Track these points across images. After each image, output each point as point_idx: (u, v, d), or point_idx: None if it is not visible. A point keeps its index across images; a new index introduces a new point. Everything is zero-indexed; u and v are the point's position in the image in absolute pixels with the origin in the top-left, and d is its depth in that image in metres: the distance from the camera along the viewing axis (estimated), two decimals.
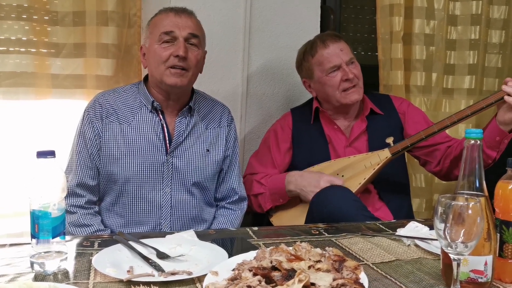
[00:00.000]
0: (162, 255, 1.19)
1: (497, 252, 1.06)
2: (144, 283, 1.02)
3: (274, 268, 0.99)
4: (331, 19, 2.49)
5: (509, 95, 1.66)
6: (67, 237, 1.31)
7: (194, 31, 1.69)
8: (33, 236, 1.11)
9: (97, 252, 1.18)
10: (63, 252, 1.12)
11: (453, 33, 2.54)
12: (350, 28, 2.78)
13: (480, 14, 2.50)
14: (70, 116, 1.97)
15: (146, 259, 1.16)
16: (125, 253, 1.19)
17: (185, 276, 1.05)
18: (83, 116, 1.71)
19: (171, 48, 1.65)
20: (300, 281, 0.91)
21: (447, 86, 2.56)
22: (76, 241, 1.32)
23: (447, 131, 1.91)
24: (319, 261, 1.04)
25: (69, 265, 1.14)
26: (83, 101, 1.99)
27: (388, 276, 1.11)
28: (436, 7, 2.46)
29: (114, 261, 1.13)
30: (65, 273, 1.10)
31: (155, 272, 1.09)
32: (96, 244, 1.29)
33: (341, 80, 1.92)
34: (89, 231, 1.64)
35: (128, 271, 1.08)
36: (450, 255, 0.96)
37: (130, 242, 1.24)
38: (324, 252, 1.09)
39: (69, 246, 1.24)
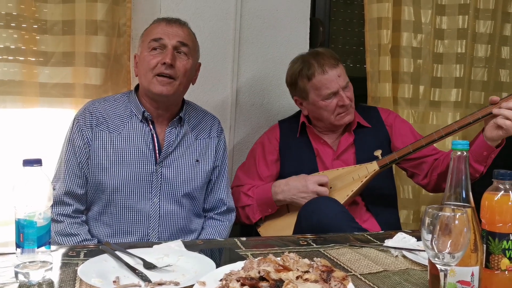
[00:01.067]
0: (149, 265, 1.18)
1: (484, 263, 1.06)
2: None
3: (262, 279, 0.99)
4: (320, 31, 2.51)
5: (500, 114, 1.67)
6: (53, 247, 1.29)
7: (183, 39, 1.69)
8: (18, 245, 1.09)
9: (83, 262, 1.16)
10: (48, 262, 1.11)
11: (440, 47, 2.58)
12: (339, 40, 2.81)
13: (467, 29, 2.54)
14: (57, 125, 1.96)
15: (132, 269, 1.14)
16: (111, 263, 1.18)
17: (172, 287, 1.04)
18: (73, 123, 1.70)
19: (160, 55, 1.65)
20: None
21: (434, 98, 2.59)
22: (62, 251, 1.30)
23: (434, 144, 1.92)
24: (307, 272, 1.04)
25: (54, 275, 1.12)
26: (71, 110, 1.98)
27: (376, 287, 1.11)
28: (424, 21, 2.50)
29: (100, 271, 1.12)
30: (50, 284, 1.08)
31: (142, 283, 1.07)
32: (82, 254, 1.27)
33: (336, 105, 1.92)
34: (76, 241, 1.62)
35: (114, 282, 1.07)
36: (437, 266, 0.97)
37: (117, 252, 1.22)
38: (312, 262, 1.09)
39: (55, 256, 1.22)
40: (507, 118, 1.63)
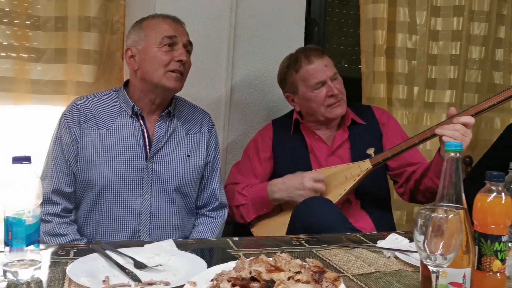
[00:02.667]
0: (139, 265, 1.16)
1: (476, 265, 1.06)
2: None
3: (253, 279, 0.98)
4: (316, 31, 2.51)
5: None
6: (42, 246, 1.28)
7: (189, 39, 1.74)
8: (6, 243, 1.08)
9: (72, 261, 1.15)
10: (37, 261, 1.10)
11: (435, 48, 2.58)
12: (334, 41, 2.81)
13: (461, 30, 2.55)
14: (49, 122, 1.94)
15: (122, 268, 1.13)
16: (101, 263, 1.17)
17: (162, 287, 1.03)
18: (60, 121, 1.69)
19: (172, 52, 1.67)
20: None
21: (428, 100, 2.60)
22: (51, 249, 1.29)
23: (427, 148, 1.92)
24: (298, 272, 1.03)
25: (43, 274, 1.11)
26: (63, 107, 1.95)
27: None
28: (418, 22, 2.50)
29: (89, 270, 1.11)
30: (39, 283, 1.07)
31: (132, 282, 1.06)
32: (71, 253, 1.26)
33: (326, 95, 1.93)
34: (65, 241, 1.60)
35: (104, 281, 1.06)
36: (429, 267, 0.96)
37: (107, 251, 1.21)
38: (304, 263, 1.08)
39: (44, 254, 1.20)
40: (451, 137, 1.63)
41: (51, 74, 1.97)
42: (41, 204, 1.12)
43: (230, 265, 1.09)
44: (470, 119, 1.65)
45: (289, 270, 1.03)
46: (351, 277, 1.18)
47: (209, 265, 1.15)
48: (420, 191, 1.90)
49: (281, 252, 1.13)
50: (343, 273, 1.20)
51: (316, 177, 1.83)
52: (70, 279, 1.06)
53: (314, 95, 1.94)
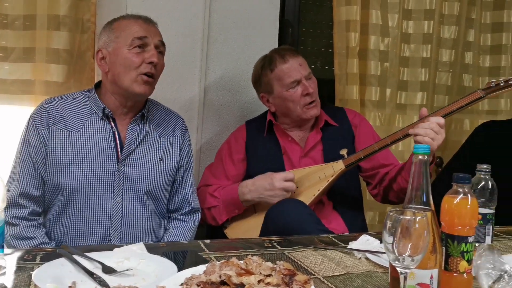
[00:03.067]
0: (108, 270, 1.14)
1: (443, 265, 1.08)
2: None
3: (223, 283, 0.97)
4: (290, 33, 2.52)
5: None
6: (7, 250, 1.25)
7: (162, 39, 1.70)
8: None
9: (38, 267, 1.12)
10: (2, 267, 1.07)
11: (406, 51, 2.62)
12: (308, 42, 2.82)
13: (432, 33, 2.59)
14: (16, 123, 1.90)
15: (90, 273, 1.11)
16: (68, 268, 1.14)
17: None
18: (28, 122, 1.65)
19: (143, 54, 1.63)
20: None
21: (400, 101, 2.64)
22: (17, 254, 1.25)
23: (399, 149, 1.95)
24: (269, 275, 1.03)
25: (8, 281, 1.07)
26: (31, 107, 1.92)
27: None
28: (391, 25, 2.54)
29: (56, 276, 1.08)
30: None
31: None
32: (38, 258, 1.23)
33: (301, 94, 1.94)
34: (32, 244, 1.57)
35: (70, 287, 1.03)
36: (397, 268, 0.97)
37: (75, 256, 1.18)
38: (275, 266, 1.08)
39: (9, 260, 1.17)
40: (424, 135, 1.66)
41: (19, 73, 1.93)
42: (6, 208, 1.09)
43: (200, 269, 1.08)
44: (441, 119, 1.68)
45: (260, 273, 1.02)
46: (322, 279, 1.18)
47: (180, 269, 1.13)
48: (394, 192, 1.92)
49: (252, 255, 1.12)
50: (314, 275, 1.20)
51: (285, 176, 1.83)
52: (35, 285, 1.03)
53: (289, 94, 1.95)
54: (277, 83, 1.97)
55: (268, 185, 1.83)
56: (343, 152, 1.88)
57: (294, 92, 1.94)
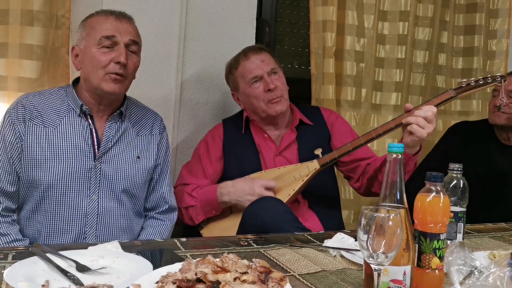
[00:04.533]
0: (82, 268, 1.13)
1: (416, 262, 1.10)
2: None
3: (199, 280, 0.97)
4: (266, 32, 2.52)
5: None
6: None
7: (134, 37, 1.66)
8: None
9: (10, 265, 1.10)
10: None
11: (382, 52, 2.66)
12: (285, 42, 2.83)
13: (406, 35, 2.64)
14: None
15: (64, 272, 1.09)
16: (40, 266, 1.12)
17: None
18: (4, 118, 1.62)
19: (112, 53, 1.60)
20: None
21: (375, 101, 2.67)
22: None
23: (373, 148, 1.97)
24: (245, 273, 1.03)
25: None
26: (3, 104, 1.88)
27: (313, 287, 1.12)
28: (366, 26, 2.57)
29: (28, 274, 1.06)
30: None
31: (73, 286, 1.02)
32: (10, 257, 1.21)
33: (263, 90, 1.95)
34: (6, 241, 1.54)
35: (43, 286, 1.02)
36: (371, 265, 0.99)
37: (48, 254, 1.17)
38: (251, 263, 1.08)
39: None
40: (416, 124, 1.69)
41: None
42: None
43: (176, 267, 1.08)
44: (434, 108, 1.71)
45: (236, 270, 1.03)
46: (297, 276, 1.19)
47: (156, 267, 1.13)
48: (379, 182, 1.90)
49: (228, 253, 1.13)
50: (290, 272, 1.21)
51: (266, 184, 1.83)
52: (7, 284, 1.01)
53: (251, 90, 1.97)
54: (241, 80, 2.01)
55: (248, 189, 1.83)
56: (318, 151, 1.90)
57: (256, 88, 1.97)
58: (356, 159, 2.01)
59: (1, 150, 1.59)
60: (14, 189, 1.59)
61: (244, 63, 1.99)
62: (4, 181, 1.58)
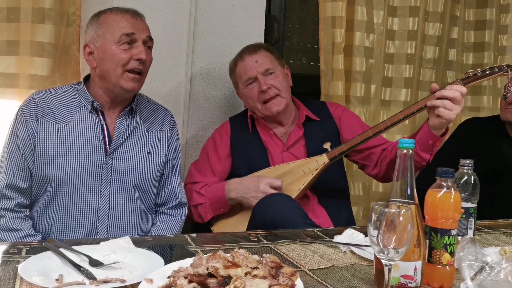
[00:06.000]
0: (94, 263, 1.14)
1: (426, 258, 1.10)
2: None
3: (211, 275, 0.98)
4: (275, 28, 2.52)
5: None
6: None
7: (150, 34, 1.69)
8: None
9: (24, 260, 1.11)
10: None
11: (391, 47, 2.65)
12: (294, 38, 2.83)
13: (416, 30, 2.62)
14: (1, 116, 1.87)
15: (77, 266, 1.11)
16: (54, 261, 1.14)
17: (118, 284, 1.02)
18: (17, 115, 1.64)
19: (131, 50, 1.62)
20: (235, 287, 0.90)
21: (384, 98, 2.66)
22: (2, 248, 1.25)
23: (383, 135, 1.96)
24: (256, 268, 1.04)
25: None
26: (15, 101, 1.90)
27: (324, 282, 1.13)
28: (376, 22, 2.55)
29: (42, 269, 1.08)
30: None
31: (86, 280, 1.04)
32: (23, 252, 1.22)
33: (258, 92, 1.96)
34: (18, 236, 1.56)
35: (57, 280, 1.03)
36: (382, 260, 0.99)
37: (61, 249, 1.18)
38: (261, 259, 1.09)
39: None
40: (442, 106, 1.67)
41: (3, 66, 1.90)
42: None
43: (187, 262, 1.08)
44: (463, 88, 1.68)
45: (247, 265, 1.03)
46: (307, 271, 1.19)
47: (167, 262, 1.14)
48: None
49: (238, 248, 1.13)
50: (300, 268, 1.22)
51: (272, 183, 1.83)
52: (21, 278, 1.03)
53: (247, 91, 2.00)
54: (239, 81, 2.04)
55: (253, 187, 1.84)
56: (327, 145, 1.90)
57: (251, 89, 1.98)
58: (370, 147, 1.99)
59: (14, 147, 1.61)
60: (27, 185, 1.61)
61: (240, 64, 2.01)
62: (17, 177, 1.60)
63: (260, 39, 2.44)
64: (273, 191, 1.82)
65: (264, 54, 2.00)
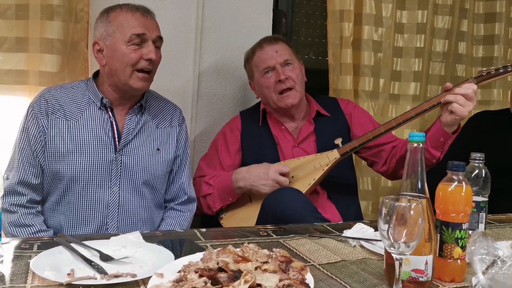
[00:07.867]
0: (105, 257, 1.15)
1: (437, 252, 1.09)
2: (86, 286, 0.99)
3: (221, 270, 0.98)
4: (283, 23, 2.51)
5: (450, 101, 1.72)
6: (5, 239, 1.25)
7: (160, 33, 1.69)
8: None
9: (36, 255, 1.12)
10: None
11: (400, 41, 2.63)
12: (302, 32, 2.82)
13: (425, 23, 2.60)
14: (10, 113, 1.89)
15: (88, 261, 1.11)
16: (66, 256, 1.15)
17: (129, 279, 1.02)
18: (28, 111, 1.65)
19: (141, 50, 1.63)
20: (246, 282, 0.90)
21: (393, 92, 2.64)
22: (14, 243, 1.25)
23: (393, 131, 1.95)
24: (266, 262, 1.04)
25: (5, 269, 1.08)
26: (24, 97, 1.91)
27: (334, 277, 1.13)
28: (384, 15, 2.53)
29: (53, 264, 1.09)
30: (1, 277, 1.04)
31: (98, 275, 1.05)
32: (35, 247, 1.23)
33: (275, 81, 1.95)
34: (30, 232, 1.57)
35: (69, 274, 1.04)
36: (392, 255, 0.99)
37: (72, 244, 1.19)
38: (271, 253, 1.09)
39: (6, 248, 1.18)
40: (455, 102, 1.67)
41: (13, 63, 1.91)
42: (5, 196, 1.09)
43: (197, 256, 1.09)
44: (474, 86, 1.69)
45: (256, 260, 1.04)
46: (317, 266, 1.19)
47: (177, 257, 1.14)
48: None
49: (248, 243, 1.13)
50: (310, 262, 1.21)
51: (281, 169, 1.83)
52: (33, 273, 1.04)
53: (263, 80, 1.99)
54: (256, 69, 2.03)
55: (263, 174, 1.84)
56: (338, 141, 1.89)
57: (268, 78, 1.98)
58: (380, 144, 1.99)
59: (25, 143, 1.62)
60: (38, 181, 1.63)
61: (258, 53, 2.01)
62: (29, 174, 1.61)
63: (268, 33, 2.43)
64: (282, 178, 1.82)
65: (284, 46, 2.01)
